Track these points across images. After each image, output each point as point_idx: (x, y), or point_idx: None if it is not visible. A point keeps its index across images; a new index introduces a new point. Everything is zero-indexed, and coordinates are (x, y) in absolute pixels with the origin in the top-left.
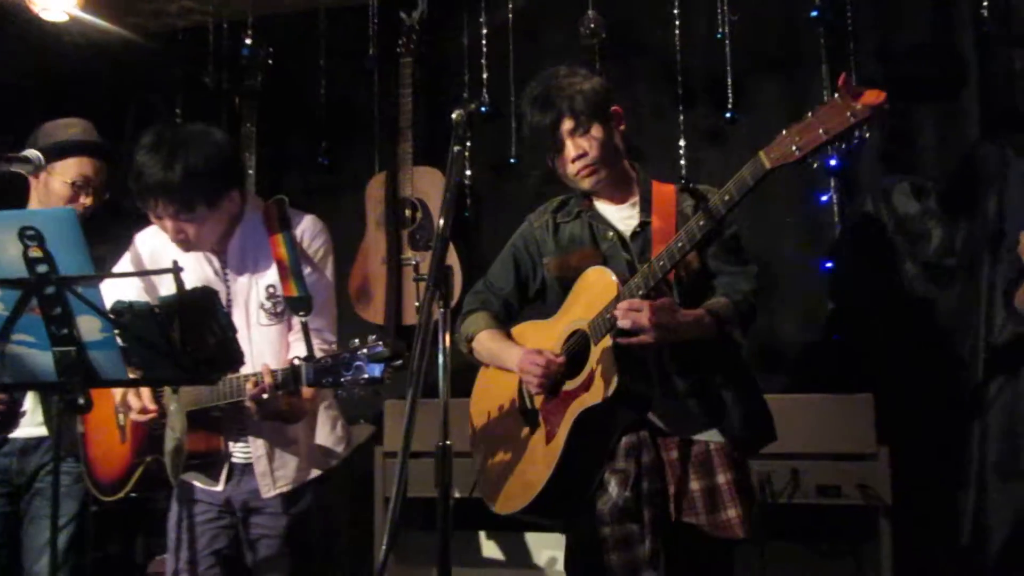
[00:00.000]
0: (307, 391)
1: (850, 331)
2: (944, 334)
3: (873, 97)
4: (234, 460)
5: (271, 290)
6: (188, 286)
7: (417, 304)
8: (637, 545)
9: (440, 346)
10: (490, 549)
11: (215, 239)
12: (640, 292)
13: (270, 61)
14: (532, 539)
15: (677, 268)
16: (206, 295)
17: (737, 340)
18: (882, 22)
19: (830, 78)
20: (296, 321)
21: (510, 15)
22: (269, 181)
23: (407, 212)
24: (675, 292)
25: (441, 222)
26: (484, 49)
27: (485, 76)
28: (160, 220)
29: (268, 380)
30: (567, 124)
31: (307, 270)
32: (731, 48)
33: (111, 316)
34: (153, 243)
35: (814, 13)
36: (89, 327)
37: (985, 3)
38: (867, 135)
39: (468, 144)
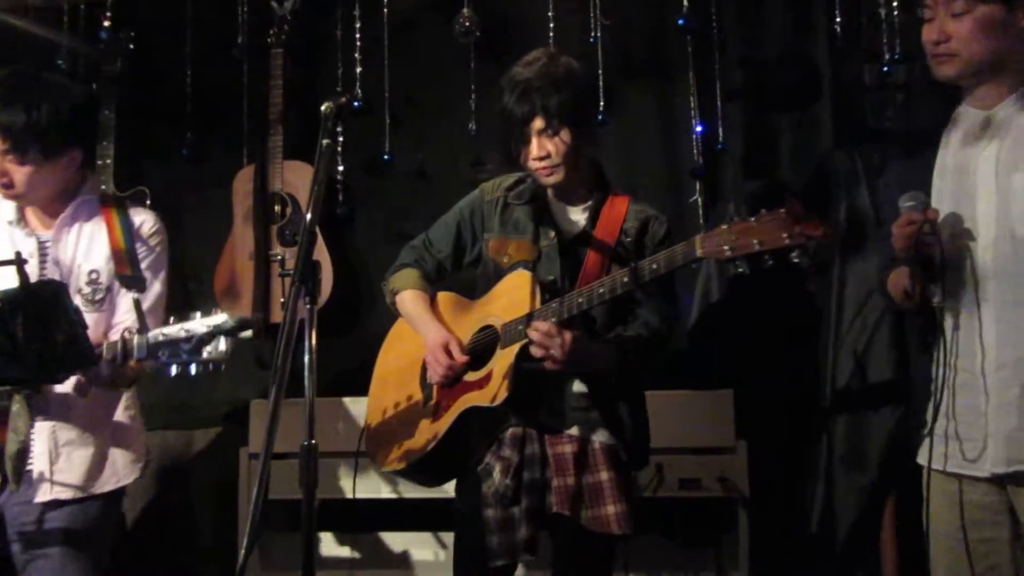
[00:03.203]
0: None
1: (711, 329)
2: (798, 333)
3: (814, 228)
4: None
5: (93, 275)
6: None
7: (283, 300)
8: (518, 528)
9: (306, 343)
10: (352, 550)
11: (43, 197)
12: (553, 319)
13: (131, 45)
14: (393, 539)
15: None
16: (54, 289)
17: (637, 373)
18: (745, 33)
19: (696, 85)
20: (122, 305)
21: (385, 10)
22: (129, 172)
23: (276, 207)
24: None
25: (308, 216)
26: (358, 43)
27: (359, 71)
28: None
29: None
30: (538, 123)
31: (142, 256)
32: (603, 52)
33: None
34: None
35: (681, 21)
36: None
37: (839, 19)
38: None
39: (339, 138)
